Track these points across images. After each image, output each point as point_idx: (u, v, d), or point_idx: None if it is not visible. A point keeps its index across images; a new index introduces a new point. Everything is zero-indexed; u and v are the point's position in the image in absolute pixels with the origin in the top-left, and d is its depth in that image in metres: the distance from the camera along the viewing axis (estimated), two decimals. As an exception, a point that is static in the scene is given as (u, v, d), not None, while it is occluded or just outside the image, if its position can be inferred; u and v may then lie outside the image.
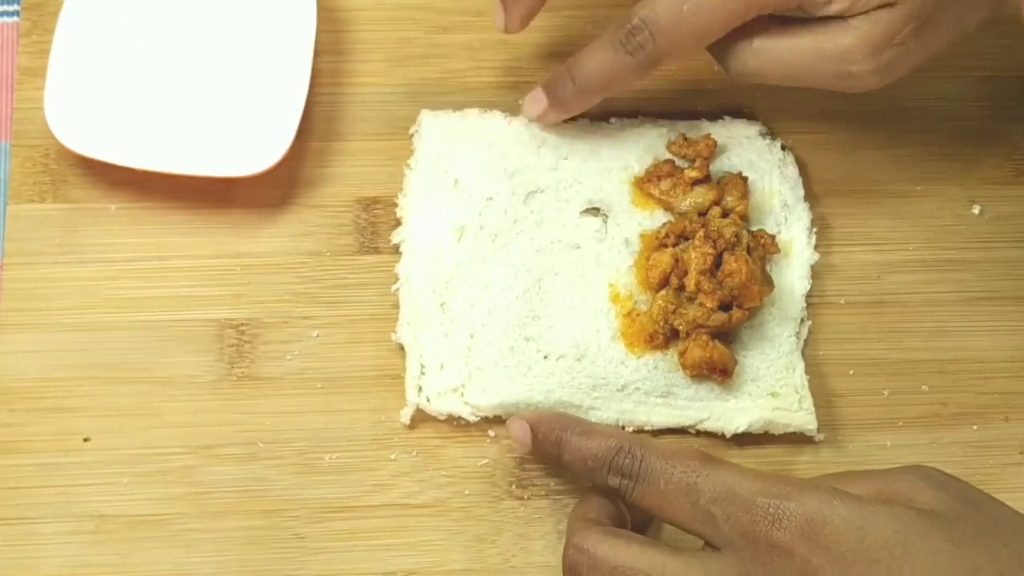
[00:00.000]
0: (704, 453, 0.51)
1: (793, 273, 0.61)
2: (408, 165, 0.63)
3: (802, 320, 0.61)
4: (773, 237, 0.60)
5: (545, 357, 0.59)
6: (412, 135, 0.63)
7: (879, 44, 0.55)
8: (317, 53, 0.64)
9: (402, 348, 0.60)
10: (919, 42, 0.55)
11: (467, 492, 0.59)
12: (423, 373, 0.59)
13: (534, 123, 0.62)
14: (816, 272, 0.63)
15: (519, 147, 0.62)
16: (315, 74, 0.64)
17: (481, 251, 0.60)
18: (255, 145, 0.61)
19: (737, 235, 0.58)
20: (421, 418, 0.59)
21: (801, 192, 0.63)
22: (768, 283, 0.59)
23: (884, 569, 0.46)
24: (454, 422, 0.59)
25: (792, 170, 0.63)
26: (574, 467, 0.54)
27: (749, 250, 0.58)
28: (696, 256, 0.58)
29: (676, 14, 0.55)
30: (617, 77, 0.58)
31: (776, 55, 0.56)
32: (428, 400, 0.58)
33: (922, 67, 0.57)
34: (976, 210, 0.65)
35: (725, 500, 0.49)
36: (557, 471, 0.59)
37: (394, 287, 0.61)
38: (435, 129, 0.62)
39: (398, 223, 0.63)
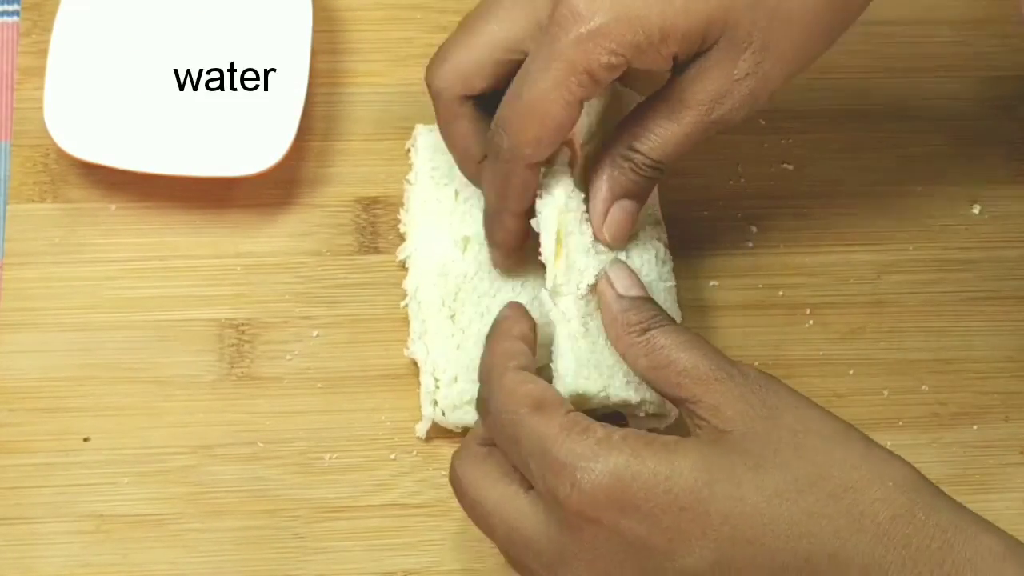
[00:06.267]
0: (537, 399, 0.49)
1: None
2: (408, 180, 0.62)
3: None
4: None
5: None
6: (408, 150, 0.63)
7: (721, 91, 0.53)
8: (317, 53, 0.64)
9: (415, 362, 0.60)
10: (767, 67, 0.53)
11: (467, 492, 0.59)
12: (437, 387, 0.59)
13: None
14: (816, 272, 0.63)
15: None
16: (315, 74, 0.64)
17: (487, 261, 0.60)
18: (255, 145, 0.61)
19: None
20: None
21: None
22: None
23: (691, 516, 0.46)
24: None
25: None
26: None
27: None
28: None
29: (515, 101, 0.52)
30: (502, 187, 0.55)
31: (673, 139, 0.55)
32: (443, 414, 0.58)
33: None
34: (976, 210, 0.65)
35: (539, 457, 0.48)
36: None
37: (403, 303, 0.60)
38: (431, 143, 0.62)
39: (397, 225, 0.63)
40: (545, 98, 0.51)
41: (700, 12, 0.51)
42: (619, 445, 0.47)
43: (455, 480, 0.52)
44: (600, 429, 0.48)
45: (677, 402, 0.49)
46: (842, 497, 0.46)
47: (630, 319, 0.51)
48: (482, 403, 0.51)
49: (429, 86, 0.56)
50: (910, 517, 0.45)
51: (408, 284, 0.61)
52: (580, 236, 0.55)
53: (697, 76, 0.53)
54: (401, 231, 0.62)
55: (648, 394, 0.53)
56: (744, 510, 0.46)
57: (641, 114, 0.55)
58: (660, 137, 0.54)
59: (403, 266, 0.61)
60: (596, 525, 0.47)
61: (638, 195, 0.56)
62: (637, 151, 0.55)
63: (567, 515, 0.47)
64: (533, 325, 0.54)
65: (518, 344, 0.53)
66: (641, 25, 0.50)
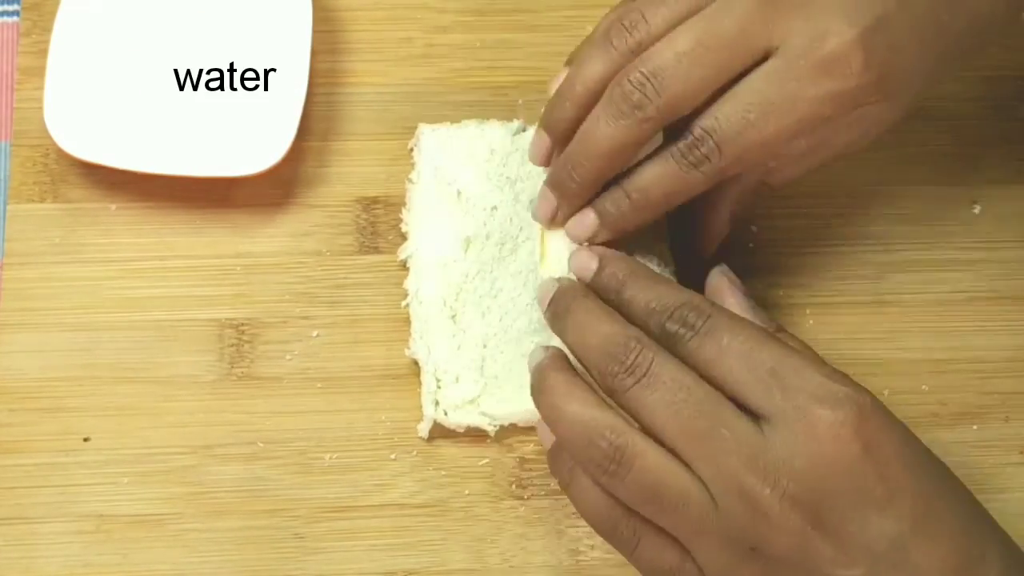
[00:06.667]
0: (769, 332, 0.49)
1: None
2: (410, 179, 0.62)
3: None
4: None
5: None
6: (411, 150, 0.63)
7: (862, 136, 0.55)
8: (317, 53, 0.64)
9: (415, 362, 0.60)
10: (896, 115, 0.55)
11: (467, 492, 0.59)
12: (439, 387, 0.59)
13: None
14: (816, 272, 0.63)
15: (519, 154, 0.62)
16: (315, 74, 0.64)
17: (488, 260, 0.60)
18: (255, 145, 0.61)
19: None
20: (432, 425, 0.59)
21: None
22: None
23: (913, 478, 0.47)
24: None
25: None
26: (633, 307, 0.51)
27: None
28: None
29: (742, 122, 0.51)
30: (679, 192, 0.54)
31: (799, 175, 0.57)
32: (445, 414, 0.58)
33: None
34: (976, 210, 0.65)
35: (789, 372, 0.47)
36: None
37: (404, 303, 0.60)
38: (434, 142, 0.62)
39: (397, 225, 0.63)
40: (774, 129, 0.51)
41: (894, 69, 0.52)
42: (872, 395, 0.48)
43: (649, 368, 0.48)
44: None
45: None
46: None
47: (761, 316, 0.54)
48: (700, 322, 0.49)
49: (643, 108, 0.52)
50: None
51: (409, 284, 0.61)
52: (564, 239, 0.56)
53: (854, 123, 0.53)
54: (403, 231, 0.62)
55: None
56: (943, 495, 0.48)
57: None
58: (798, 175, 0.56)
59: (404, 266, 0.61)
60: (840, 447, 0.46)
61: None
62: (770, 185, 0.57)
63: (814, 429, 0.46)
64: None
65: None
66: (882, 88, 0.52)
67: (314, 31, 0.63)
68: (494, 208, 0.61)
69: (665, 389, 0.48)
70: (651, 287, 0.51)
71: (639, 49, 0.52)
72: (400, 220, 0.63)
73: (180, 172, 0.61)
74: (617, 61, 0.53)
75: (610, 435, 0.48)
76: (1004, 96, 0.67)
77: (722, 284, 0.55)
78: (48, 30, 0.63)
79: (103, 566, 0.57)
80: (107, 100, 0.62)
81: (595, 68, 0.53)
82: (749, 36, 0.51)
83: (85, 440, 0.59)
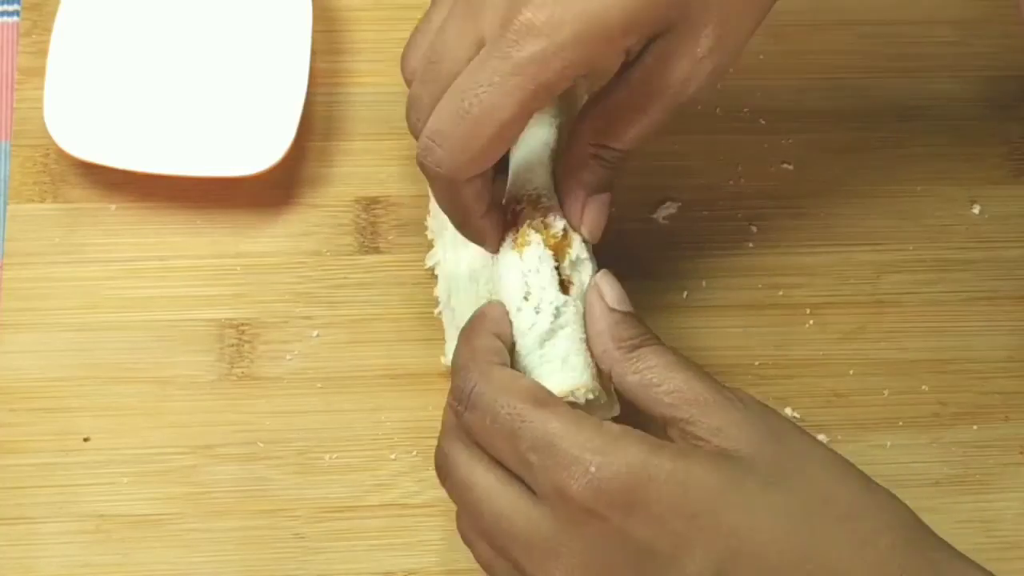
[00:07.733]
0: (536, 394, 0.48)
1: None
2: None
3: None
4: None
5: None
6: None
7: (688, 73, 0.51)
8: (317, 53, 0.64)
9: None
10: (728, 39, 0.51)
11: (467, 492, 0.59)
12: None
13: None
14: (816, 272, 0.63)
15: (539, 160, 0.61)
16: (315, 74, 0.64)
17: None
18: (255, 145, 0.61)
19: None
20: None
21: None
22: None
23: (700, 524, 0.45)
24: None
25: None
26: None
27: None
28: None
29: (458, 116, 0.48)
30: (455, 205, 0.52)
31: (644, 130, 0.53)
32: None
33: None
34: (976, 210, 0.65)
35: (544, 450, 0.46)
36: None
37: (436, 311, 0.60)
38: None
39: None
40: (498, 114, 0.48)
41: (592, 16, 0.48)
42: (636, 443, 0.46)
43: (443, 459, 0.51)
44: (614, 426, 0.47)
45: (667, 421, 0.49)
46: (846, 523, 0.46)
47: (621, 334, 0.51)
48: (464, 398, 0.49)
49: (425, 169, 0.51)
50: (905, 548, 0.46)
51: (440, 291, 0.60)
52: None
53: (661, 62, 0.51)
54: (429, 238, 0.62)
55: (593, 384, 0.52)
56: (754, 524, 0.45)
57: (603, 109, 0.53)
58: (632, 131, 0.53)
59: (432, 273, 0.61)
60: (602, 522, 0.46)
61: (610, 185, 0.55)
62: (608, 147, 0.53)
63: (571, 510, 0.46)
64: (510, 327, 0.53)
65: (496, 342, 0.52)
66: (603, 29, 0.48)
67: (314, 31, 0.63)
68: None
69: (457, 490, 0.50)
70: (458, 345, 0.52)
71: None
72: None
73: (180, 172, 0.61)
74: None
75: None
76: (1004, 96, 0.67)
77: (591, 300, 0.53)
78: (48, 30, 0.63)
79: (103, 566, 0.57)
80: (107, 100, 0.62)
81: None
82: (463, 34, 0.50)
83: (85, 440, 0.59)
